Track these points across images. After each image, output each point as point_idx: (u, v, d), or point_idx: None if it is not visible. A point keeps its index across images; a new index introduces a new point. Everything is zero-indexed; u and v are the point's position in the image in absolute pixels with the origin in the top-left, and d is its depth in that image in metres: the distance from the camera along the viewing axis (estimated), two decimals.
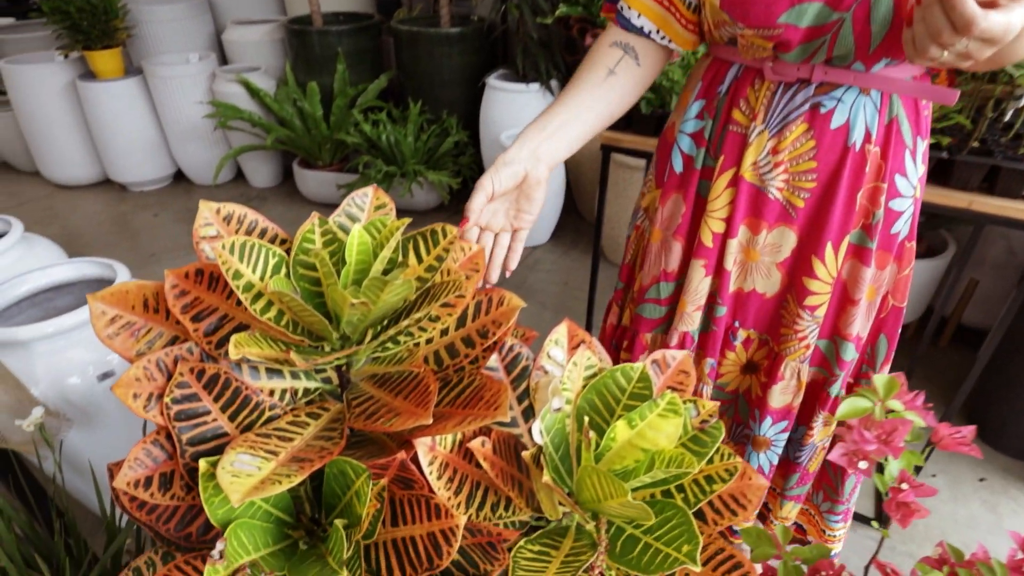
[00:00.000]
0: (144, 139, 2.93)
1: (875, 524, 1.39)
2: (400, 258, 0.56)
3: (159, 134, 2.98)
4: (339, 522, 0.48)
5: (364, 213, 0.62)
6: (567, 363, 0.62)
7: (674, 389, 0.65)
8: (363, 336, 0.58)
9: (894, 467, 0.49)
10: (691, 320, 0.96)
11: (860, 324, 0.92)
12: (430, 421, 0.48)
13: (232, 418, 0.55)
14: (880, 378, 0.53)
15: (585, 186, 2.59)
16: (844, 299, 0.90)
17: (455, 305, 0.63)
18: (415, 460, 0.52)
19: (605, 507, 0.48)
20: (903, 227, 0.87)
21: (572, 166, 2.56)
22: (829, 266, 0.86)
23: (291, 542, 0.54)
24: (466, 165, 2.68)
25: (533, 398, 0.55)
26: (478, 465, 0.56)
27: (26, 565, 0.75)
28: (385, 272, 0.55)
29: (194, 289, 0.54)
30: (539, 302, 2.27)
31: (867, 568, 0.60)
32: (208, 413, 0.54)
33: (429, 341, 0.63)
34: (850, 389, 0.99)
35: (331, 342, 0.56)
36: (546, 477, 0.47)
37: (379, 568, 0.53)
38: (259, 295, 0.52)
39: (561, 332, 0.65)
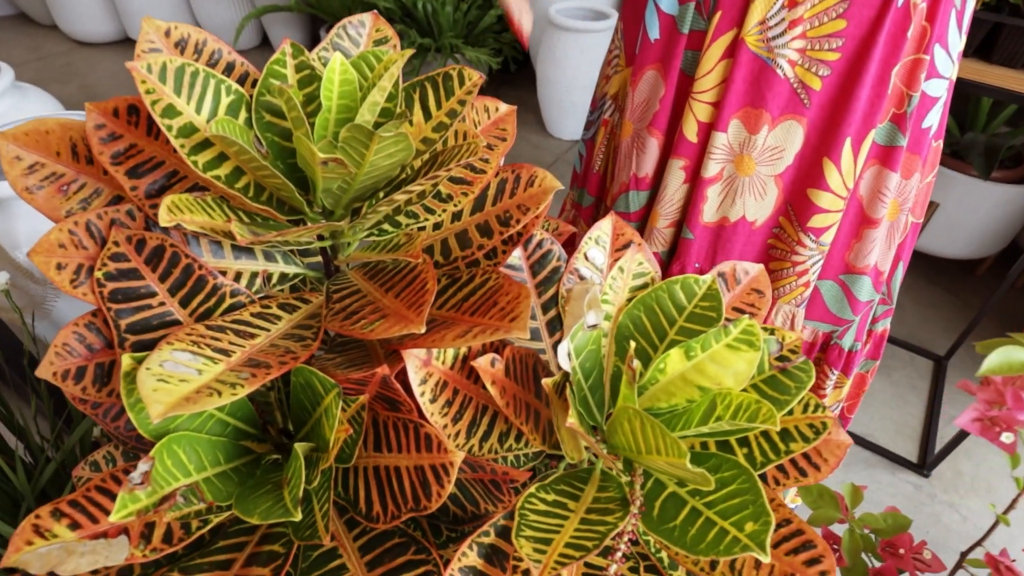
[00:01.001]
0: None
1: (922, 472, 1.29)
2: (400, 109, 0.41)
3: None
4: (300, 446, 0.37)
5: (359, 48, 0.46)
6: (609, 268, 0.48)
7: (740, 311, 0.51)
8: (347, 212, 0.45)
9: None
10: (662, 239, 0.75)
11: (880, 252, 0.71)
12: (422, 330, 0.35)
13: (184, 303, 0.44)
14: None
15: None
16: (860, 220, 0.69)
17: (472, 182, 0.49)
18: (403, 376, 0.41)
19: (645, 460, 0.36)
20: (935, 119, 0.66)
21: None
22: (846, 173, 0.65)
23: (250, 459, 0.44)
24: (508, 43, 2.41)
25: (562, 309, 0.42)
26: (485, 387, 0.44)
27: None
28: (376, 126, 0.41)
29: (129, 133, 0.41)
30: None
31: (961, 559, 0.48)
32: (153, 295, 0.43)
33: (437, 227, 0.50)
34: (870, 340, 0.80)
35: (308, 217, 0.43)
36: (571, 420, 0.35)
37: (356, 497, 0.43)
38: (204, 144, 0.38)
39: (604, 228, 0.51)
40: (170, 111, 0.37)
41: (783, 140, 0.66)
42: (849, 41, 0.60)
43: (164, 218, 0.35)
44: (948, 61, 0.62)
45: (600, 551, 0.37)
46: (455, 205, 0.50)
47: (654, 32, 0.69)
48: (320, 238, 0.47)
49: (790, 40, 0.61)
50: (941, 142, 0.69)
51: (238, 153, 0.35)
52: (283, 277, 0.51)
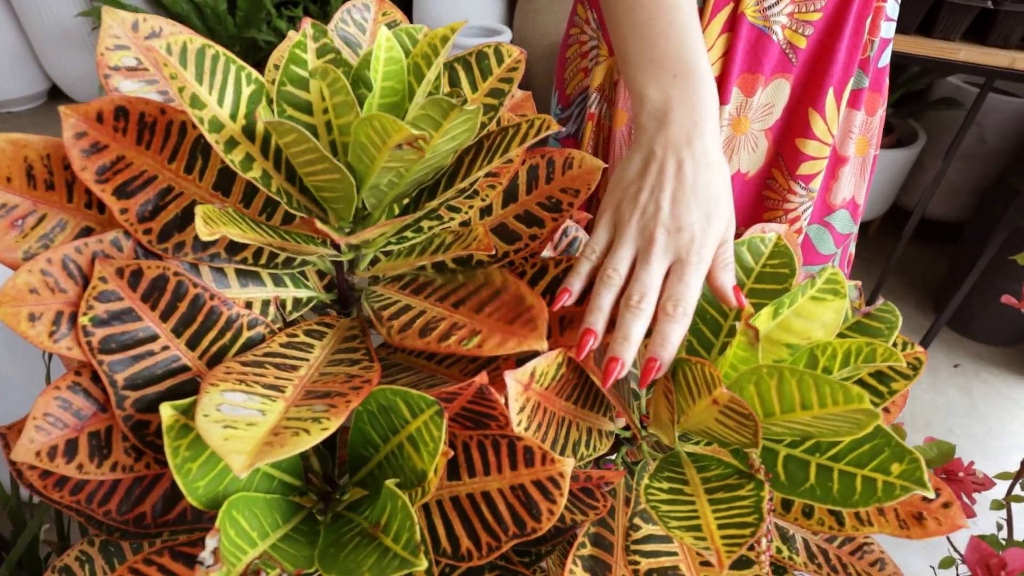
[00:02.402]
0: (2, 47, 2.39)
1: None
2: (447, 89, 0.37)
3: (21, 40, 2.45)
4: (391, 483, 0.31)
5: (366, 35, 0.41)
6: None
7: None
8: (384, 214, 0.39)
9: None
10: None
11: (854, 185, 0.76)
12: (544, 347, 0.31)
13: (192, 344, 0.36)
14: None
15: None
16: (835, 160, 0.74)
17: (499, 173, 0.45)
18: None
19: (781, 420, 0.34)
20: (887, 57, 0.72)
21: None
22: (830, 120, 0.69)
23: (304, 515, 0.37)
24: None
25: None
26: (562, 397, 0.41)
27: None
28: None
29: (115, 142, 0.33)
30: None
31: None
32: (154, 338, 0.35)
33: (464, 225, 0.46)
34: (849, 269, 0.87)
35: (343, 220, 0.38)
36: (720, 392, 0.32)
37: (435, 536, 0.37)
38: (232, 142, 0.32)
39: None
40: (196, 102, 0.30)
41: (773, 97, 0.69)
42: (830, 0, 0.64)
43: (203, 230, 0.28)
44: (895, 5, 0.68)
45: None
46: (483, 200, 0.46)
47: None
48: (348, 248, 0.41)
49: (784, 7, 0.64)
50: (887, 78, 0.74)
51: (292, 144, 0.29)
52: (297, 303, 0.44)
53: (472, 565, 0.36)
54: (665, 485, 0.37)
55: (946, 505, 0.37)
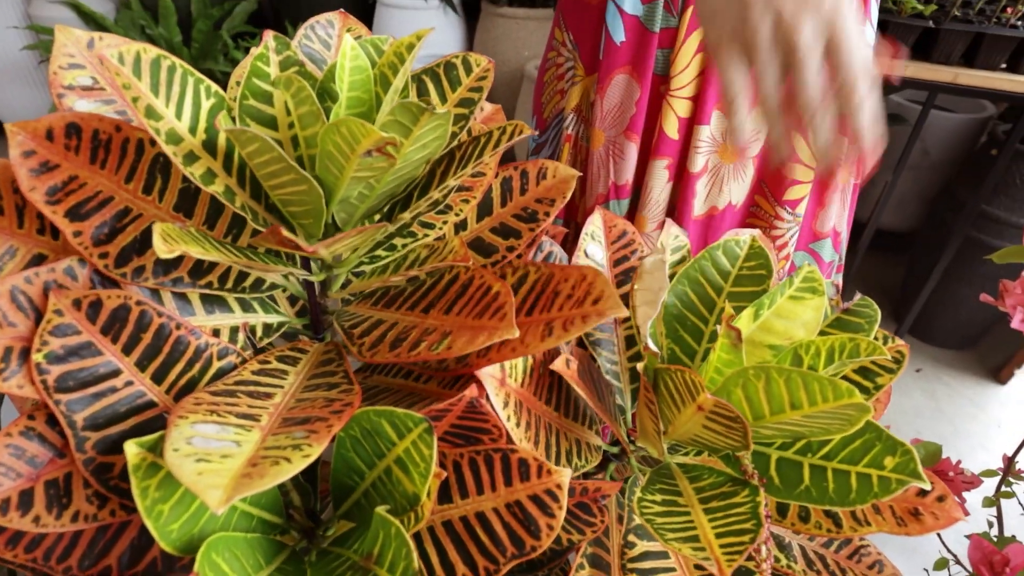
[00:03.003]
0: None
1: None
2: (414, 98, 0.36)
3: None
4: (382, 509, 0.30)
5: (331, 52, 0.41)
6: (611, 262, 0.46)
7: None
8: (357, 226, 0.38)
9: None
10: (651, 242, 0.75)
11: (836, 213, 0.77)
12: (516, 333, 0.30)
13: (158, 379, 0.34)
14: None
15: None
16: (823, 186, 0.74)
17: (472, 187, 0.45)
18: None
19: (770, 422, 0.33)
20: None
21: None
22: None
23: (287, 554, 0.35)
24: None
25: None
26: (547, 401, 0.39)
27: None
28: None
29: (67, 162, 0.31)
30: None
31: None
32: (116, 373, 0.33)
33: (440, 238, 0.45)
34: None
35: (312, 238, 0.36)
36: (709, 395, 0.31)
37: (429, 566, 0.35)
38: (192, 156, 0.30)
39: (596, 223, 0.49)
40: (152, 113, 0.28)
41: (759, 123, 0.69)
42: None
43: (162, 249, 0.27)
44: (871, 29, 0.69)
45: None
46: (456, 215, 0.45)
47: (619, 35, 0.67)
48: (320, 268, 0.40)
49: None
50: None
51: (256, 154, 0.28)
52: (267, 328, 0.42)
53: None
54: (658, 497, 0.36)
55: (940, 499, 0.37)
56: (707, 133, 0.68)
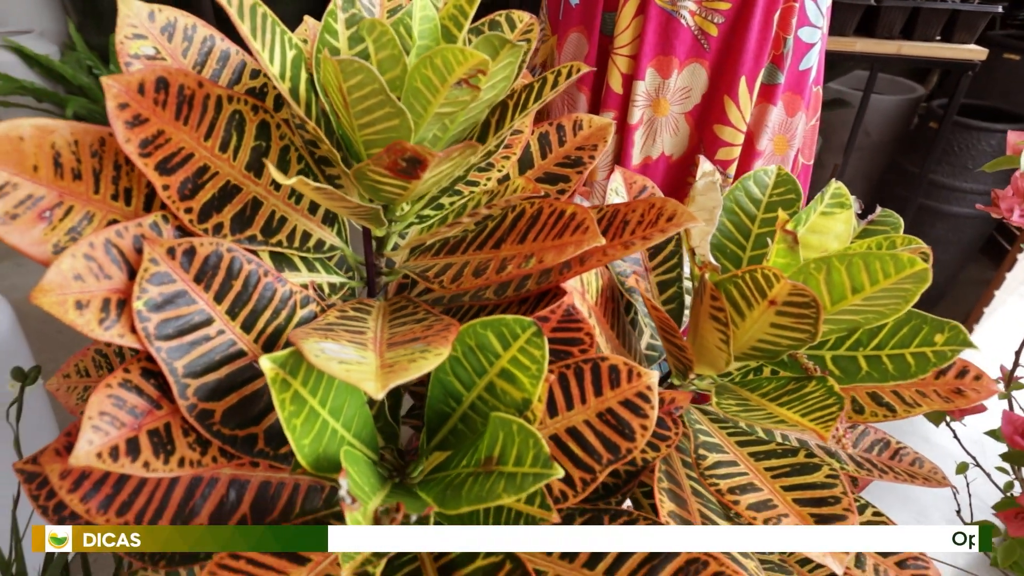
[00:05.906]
0: None
1: None
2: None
3: None
4: (498, 415, 0.31)
5: (376, 10, 0.43)
6: None
7: None
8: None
9: None
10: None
11: None
12: (602, 241, 0.32)
13: (247, 326, 0.35)
14: None
15: None
16: (750, 152, 0.80)
17: (511, 144, 0.47)
18: None
19: (833, 311, 0.36)
20: (813, 62, 0.80)
21: None
22: (743, 107, 0.76)
23: (391, 484, 0.35)
24: None
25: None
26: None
27: None
28: None
29: (155, 116, 0.32)
30: None
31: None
32: (209, 322, 0.33)
33: (503, 179, 0.47)
34: None
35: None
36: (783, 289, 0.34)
37: None
38: (280, 102, 0.32)
39: (617, 180, 0.52)
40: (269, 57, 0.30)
41: (690, 81, 0.76)
42: None
43: (280, 177, 0.28)
44: (818, 13, 0.76)
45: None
46: (499, 171, 0.47)
47: None
48: (385, 213, 0.41)
49: None
50: (820, 88, 0.83)
51: (356, 87, 0.30)
52: (332, 287, 0.43)
53: (568, 506, 0.35)
54: (731, 402, 0.39)
55: (977, 377, 0.40)
56: (642, 88, 0.77)
